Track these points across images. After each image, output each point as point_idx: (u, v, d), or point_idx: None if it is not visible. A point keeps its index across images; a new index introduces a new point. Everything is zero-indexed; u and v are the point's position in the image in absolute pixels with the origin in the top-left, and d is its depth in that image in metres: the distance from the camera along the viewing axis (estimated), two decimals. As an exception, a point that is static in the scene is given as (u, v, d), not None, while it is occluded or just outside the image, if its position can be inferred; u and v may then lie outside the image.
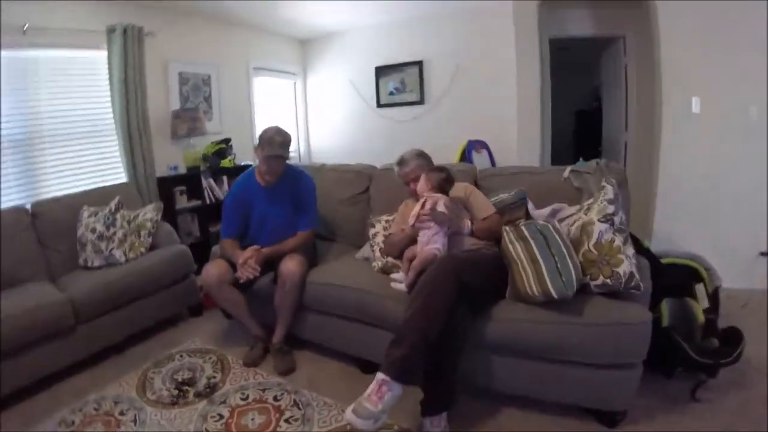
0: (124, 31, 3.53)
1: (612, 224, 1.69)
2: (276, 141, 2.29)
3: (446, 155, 4.29)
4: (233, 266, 2.34)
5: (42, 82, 3.36)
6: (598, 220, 1.70)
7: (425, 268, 1.83)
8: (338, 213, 2.94)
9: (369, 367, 2.14)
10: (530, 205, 2.18)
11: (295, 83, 5.69)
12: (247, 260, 2.25)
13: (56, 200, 3.03)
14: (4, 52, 3.09)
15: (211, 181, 4.18)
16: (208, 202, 4.12)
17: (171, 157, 4.07)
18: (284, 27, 4.99)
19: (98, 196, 3.06)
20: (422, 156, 2.39)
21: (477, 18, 4.41)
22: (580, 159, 2.50)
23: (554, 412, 1.83)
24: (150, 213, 3.10)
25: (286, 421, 1.91)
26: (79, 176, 3.57)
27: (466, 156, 4.15)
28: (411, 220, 2.01)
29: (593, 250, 1.68)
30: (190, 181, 4.08)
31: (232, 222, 2.50)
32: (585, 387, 1.68)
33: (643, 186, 3.21)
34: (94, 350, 2.47)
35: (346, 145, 5.58)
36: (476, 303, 1.72)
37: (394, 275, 2.13)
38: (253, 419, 1.94)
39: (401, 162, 2.38)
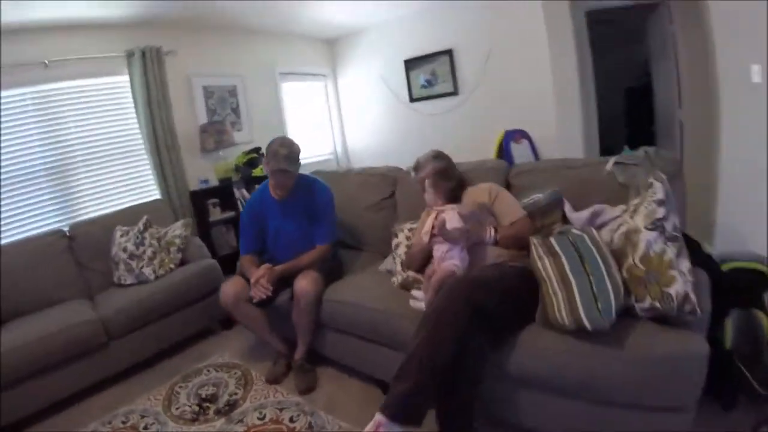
0: (143, 53, 3.66)
1: (662, 232, 1.39)
2: (280, 154, 2.15)
3: (485, 148, 4.06)
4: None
5: (68, 110, 3.51)
6: (646, 228, 1.40)
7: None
8: (363, 220, 2.78)
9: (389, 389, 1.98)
10: (567, 207, 1.89)
11: (326, 85, 5.58)
12: (259, 279, 2.15)
13: (92, 222, 3.18)
14: (29, 88, 3.31)
15: (244, 191, 4.16)
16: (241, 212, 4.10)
17: (203, 171, 4.12)
18: (307, 29, 4.88)
19: (131, 215, 3.15)
20: (439, 158, 2.16)
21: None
22: (626, 148, 2.15)
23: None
24: (179, 230, 3.17)
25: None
26: (114, 196, 3.75)
27: (503, 148, 3.84)
28: (425, 237, 1.81)
29: (639, 265, 1.39)
30: (223, 192, 4.08)
31: (248, 238, 2.45)
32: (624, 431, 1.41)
33: (704, 173, 2.76)
34: (126, 365, 2.55)
35: (382, 144, 5.41)
36: (496, 329, 1.50)
37: (414, 292, 1.93)
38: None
39: (417, 166, 2.17)
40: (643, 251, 1.38)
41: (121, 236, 2.97)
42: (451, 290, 1.51)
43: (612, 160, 1.94)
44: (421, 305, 1.79)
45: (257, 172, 4.26)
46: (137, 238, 2.94)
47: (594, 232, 1.51)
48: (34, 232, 3.10)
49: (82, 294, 2.83)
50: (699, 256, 1.59)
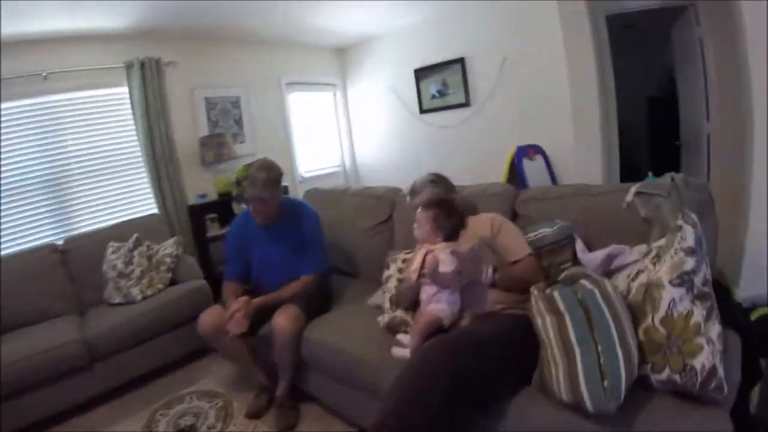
0: (142, 65, 3.55)
1: (690, 288, 1.14)
2: (258, 179, 1.99)
3: (498, 164, 3.81)
4: None
5: (67, 122, 3.46)
6: (670, 282, 1.16)
7: (432, 333, 1.46)
8: (358, 245, 2.61)
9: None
10: (579, 246, 1.65)
11: (334, 95, 5.41)
12: (234, 314, 1.98)
13: (87, 235, 3.15)
14: (28, 100, 3.26)
15: (243, 205, 4.01)
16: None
17: (203, 185, 4.00)
18: (314, 37, 4.71)
19: (127, 229, 3.11)
20: (438, 182, 1.93)
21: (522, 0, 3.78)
22: (650, 174, 1.88)
23: None
24: (170, 248, 3.11)
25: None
26: (111, 210, 3.67)
27: (515, 165, 3.59)
28: (413, 276, 1.60)
29: (660, 328, 1.14)
30: (222, 207, 3.95)
31: (232, 263, 2.33)
32: None
33: (733, 194, 2.44)
34: (112, 386, 2.51)
35: (391, 156, 5.20)
36: (483, 396, 1.28)
37: (400, 336, 1.71)
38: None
39: (413, 191, 1.95)
40: (665, 311, 1.14)
41: (113, 253, 2.93)
42: (429, 355, 1.29)
43: (633, 189, 1.69)
44: (406, 353, 1.57)
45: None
46: (126, 256, 2.89)
47: (608, 285, 1.25)
48: (31, 245, 3.11)
49: (75, 309, 2.82)
50: (728, 309, 1.31)
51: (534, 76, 3.83)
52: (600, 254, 1.54)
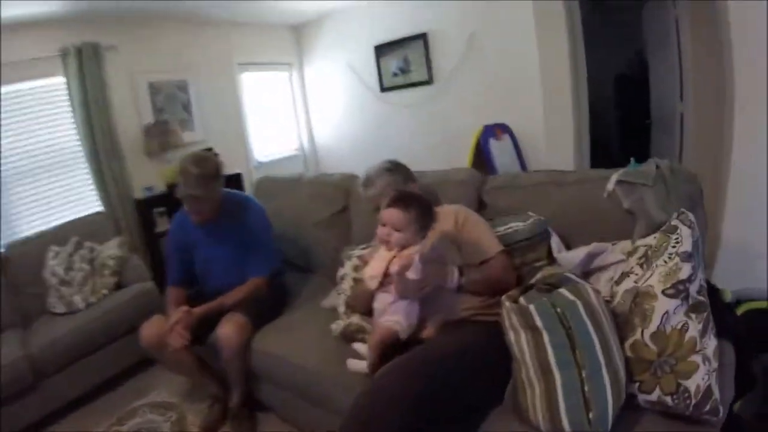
0: (79, 51, 3.28)
1: (686, 299, 0.99)
2: (191, 174, 1.76)
3: (463, 144, 3.64)
4: None
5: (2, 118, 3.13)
6: (663, 293, 1.00)
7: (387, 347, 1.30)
8: (313, 238, 2.41)
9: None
10: (554, 243, 1.48)
11: (290, 74, 5.10)
12: (173, 327, 1.77)
13: (26, 241, 2.89)
14: None
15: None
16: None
17: (151, 178, 3.70)
18: (268, 14, 4.38)
19: (69, 230, 2.89)
20: (394, 170, 1.71)
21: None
22: (632, 160, 1.72)
23: None
24: (112, 249, 2.89)
25: None
26: (52, 211, 3.39)
27: (481, 146, 3.42)
28: (371, 283, 1.39)
29: (650, 344, 0.98)
30: (171, 200, 3.63)
31: (173, 267, 2.12)
32: None
33: (709, 176, 2.30)
34: (61, 403, 2.33)
35: (351, 138, 4.98)
36: (455, 411, 1.14)
37: (356, 345, 1.53)
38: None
39: (367, 181, 1.73)
40: (656, 325, 0.98)
41: (53, 258, 2.69)
42: (381, 382, 1.13)
43: (614, 177, 1.51)
44: (362, 366, 1.39)
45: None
46: (66, 261, 2.67)
47: (592, 295, 1.06)
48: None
49: (18, 322, 2.57)
50: (721, 316, 1.16)
51: (502, 52, 3.67)
52: (580, 253, 1.36)
